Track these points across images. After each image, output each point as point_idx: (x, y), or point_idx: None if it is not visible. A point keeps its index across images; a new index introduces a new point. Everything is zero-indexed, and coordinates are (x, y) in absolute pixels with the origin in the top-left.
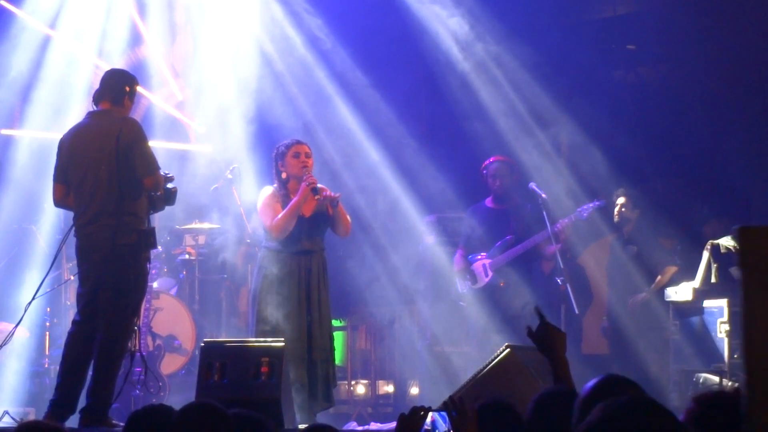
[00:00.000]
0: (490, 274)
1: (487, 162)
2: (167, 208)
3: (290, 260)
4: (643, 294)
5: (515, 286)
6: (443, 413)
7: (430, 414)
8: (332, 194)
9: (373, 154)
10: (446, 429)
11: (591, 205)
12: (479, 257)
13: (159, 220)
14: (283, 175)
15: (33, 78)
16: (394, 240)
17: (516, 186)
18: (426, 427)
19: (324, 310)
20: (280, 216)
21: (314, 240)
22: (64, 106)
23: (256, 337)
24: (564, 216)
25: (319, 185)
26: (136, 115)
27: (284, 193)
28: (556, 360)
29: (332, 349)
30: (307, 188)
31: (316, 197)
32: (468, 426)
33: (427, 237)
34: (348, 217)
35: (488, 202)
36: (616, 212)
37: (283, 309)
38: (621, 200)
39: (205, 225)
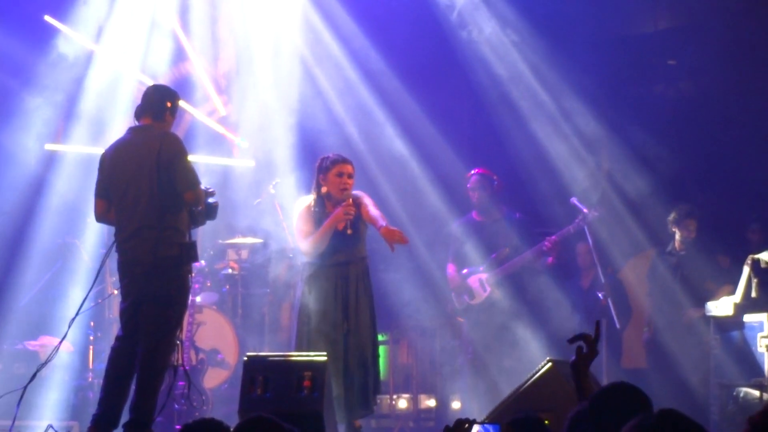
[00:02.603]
0: (488, 288)
1: (468, 174)
2: (210, 223)
3: (327, 272)
4: (701, 310)
5: (544, 297)
6: (487, 426)
7: (475, 427)
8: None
9: (413, 166)
10: None
11: (589, 214)
12: (468, 271)
13: (202, 234)
14: (323, 189)
15: (77, 93)
16: (435, 254)
17: (497, 198)
18: None
19: (363, 318)
20: (311, 238)
21: (351, 251)
22: (107, 121)
23: (295, 349)
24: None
25: (356, 192)
26: (180, 130)
27: (321, 209)
28: (583, 373)
29: (373, 357)
30: (341, 216)
31: (348, 231)
32: None
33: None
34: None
35: (475, 215)
36: (680, 237)
37: (320, 321)
38: (692, 224)
39: (248, 240)
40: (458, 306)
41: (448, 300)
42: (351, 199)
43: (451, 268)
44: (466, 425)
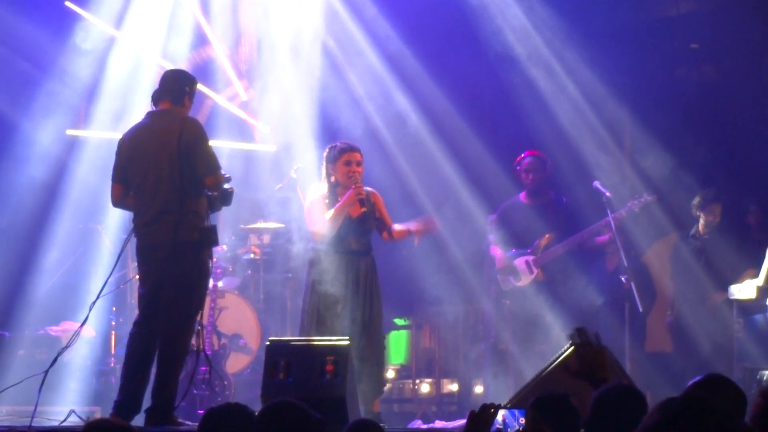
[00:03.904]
0: (535, 270)
1: (520, 157)
2: (232, 208)
3: (337, 261)
4: (725, 293)
5: (569, 281)
6: (513, 411)
7: (501, 412)
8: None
9: (437, 152)
10: (517, 428)
11: (642, 199)
12: (514, 253)
13: (224, 219)
14: (333, 179)
15: (98, 78)
16: (458, 239)
17: (549, 181)
18: (497, 425)
19: (374, 308)
20: (323, 220)
21: (362, 241)
22: (128, 106)
23: (301, 336)
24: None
25: (368, 188)
26: (201, 114)
27: (333, 198)
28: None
29: (382, 348)
30: (354, 197)
31: (362, 208)
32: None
33: (491, 235)
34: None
35: (523, 197)
36: (704, 222)
37: (331, 308)
38: (717, 209)
39: (270, 224)
40: (504, 288)
41: (492, 281)
42: (360, 184)
43: (496, 250)
44: (492, 410)
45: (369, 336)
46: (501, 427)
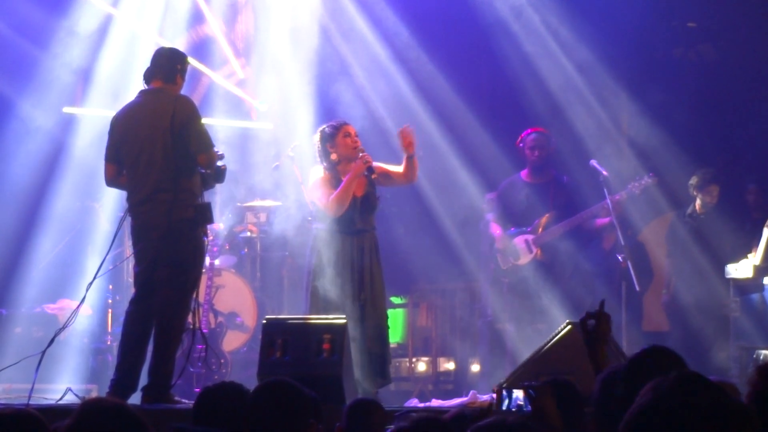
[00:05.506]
0: (535, 249)
1: (524, 134)
2: (228, 186)
3: (343, 240)
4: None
5: (566, 261)
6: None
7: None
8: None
9: (433, 130)
10: (519, 403)
11: (642, 181)
12: (514, 231)
13: (221, 197)
14: (333, 157)
15: (94, 57)
16: (456, 217)
17: (551, 159)
18: (518, 401)
19: (377, 288)
20: (335, 193)
21: (366, 219)
22: (125, 85)
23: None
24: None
25: (373, 164)
26: (197, 92)
27: (335, 176)
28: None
29: (386, 327)
30: (362, 166)
31: (373, 176)
32: (548, 404)
33: (488, 214)
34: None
35: (524, 175)
36: (701, 202)
37: (335, 289)
38: (715, 189)
39: (267, 202)
40: (503, 266)
41: (490, 259)
42: (366, 153)
43: (496, 228)
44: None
45: (371, 317)
46: (522, 403)
